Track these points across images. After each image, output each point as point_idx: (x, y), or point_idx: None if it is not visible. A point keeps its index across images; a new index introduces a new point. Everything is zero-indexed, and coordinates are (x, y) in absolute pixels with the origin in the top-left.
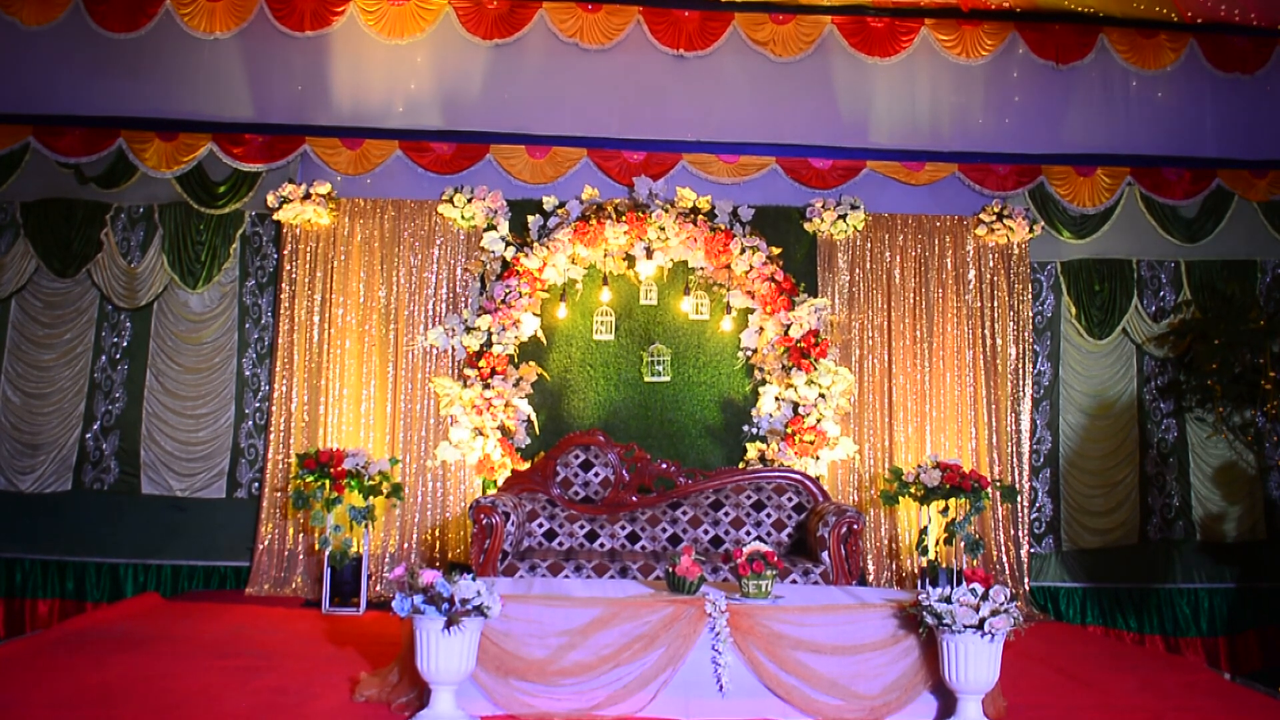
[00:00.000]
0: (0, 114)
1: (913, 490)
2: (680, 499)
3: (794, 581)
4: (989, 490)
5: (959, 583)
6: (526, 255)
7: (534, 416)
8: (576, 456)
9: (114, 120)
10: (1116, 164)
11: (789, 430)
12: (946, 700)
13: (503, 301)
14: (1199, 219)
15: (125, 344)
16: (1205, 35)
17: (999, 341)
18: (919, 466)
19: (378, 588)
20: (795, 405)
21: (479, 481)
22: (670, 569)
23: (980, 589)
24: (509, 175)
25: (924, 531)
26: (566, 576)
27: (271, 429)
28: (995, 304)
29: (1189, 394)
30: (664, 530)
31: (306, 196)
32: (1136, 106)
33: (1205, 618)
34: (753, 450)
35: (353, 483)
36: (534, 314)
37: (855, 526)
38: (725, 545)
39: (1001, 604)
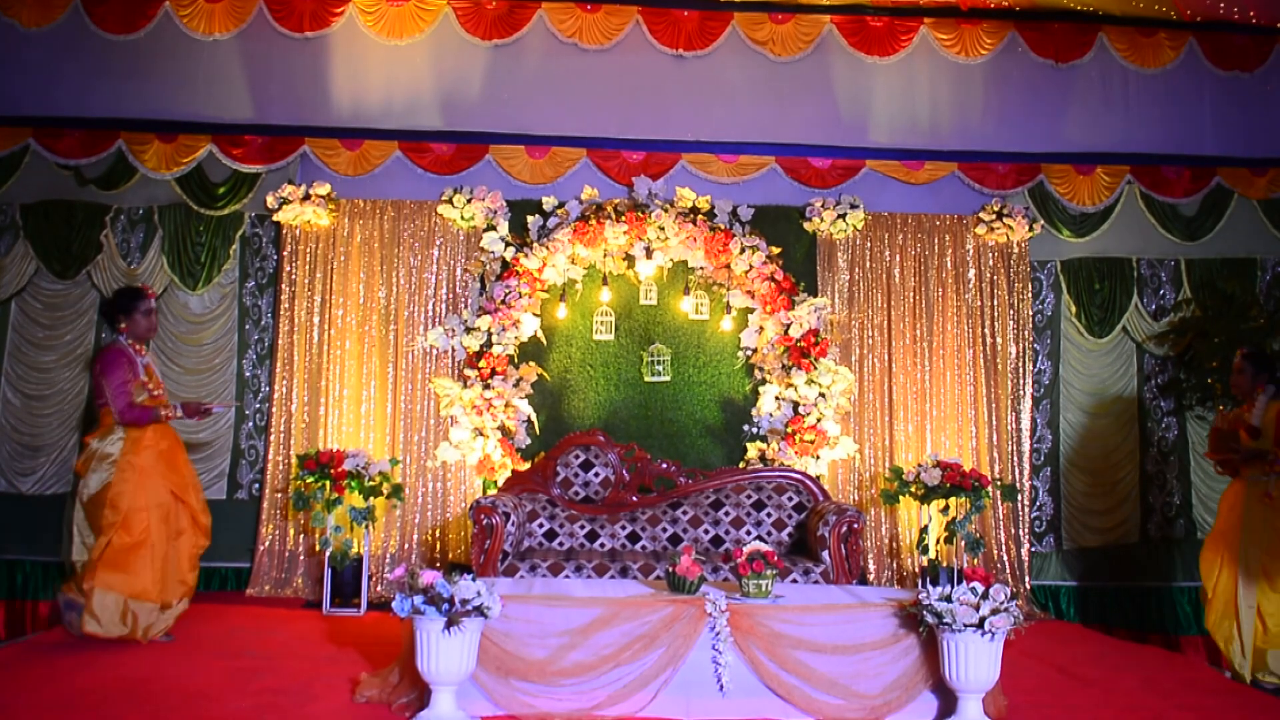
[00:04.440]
0: None
1: (913, 489)
2: (680, 499)
3: (794, 581)
4: (989, 489)
5: (959, 582)
6: (526, 255)
7: (534, 417)
8: (577, 457)
9: (113, 122)
10: (1116, 162)
11: (789, 430)
12: (947, 699)
13: (502, 302)
14: (1199, 217)
15: None
16: (1205, 33)
17: (999, 340)
18: (919, 465)
19: (378, 588)
20: (795, 405)
21: (479, 482)
22: (670, 569)
23: (980, 588)
24: (508, 175)
25: (924, 530)
26: (567, 576)
27: (272, 430)
28: (995, 303)
29: (1189, 392)
30: (664, 530)
31: (306, 197)
32: (1136, 105)
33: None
34: (753, 450)
35: (353, 483)
36: (534, 314)
37: (855, 526)
38: (725, 545)
39: (1002, 603)
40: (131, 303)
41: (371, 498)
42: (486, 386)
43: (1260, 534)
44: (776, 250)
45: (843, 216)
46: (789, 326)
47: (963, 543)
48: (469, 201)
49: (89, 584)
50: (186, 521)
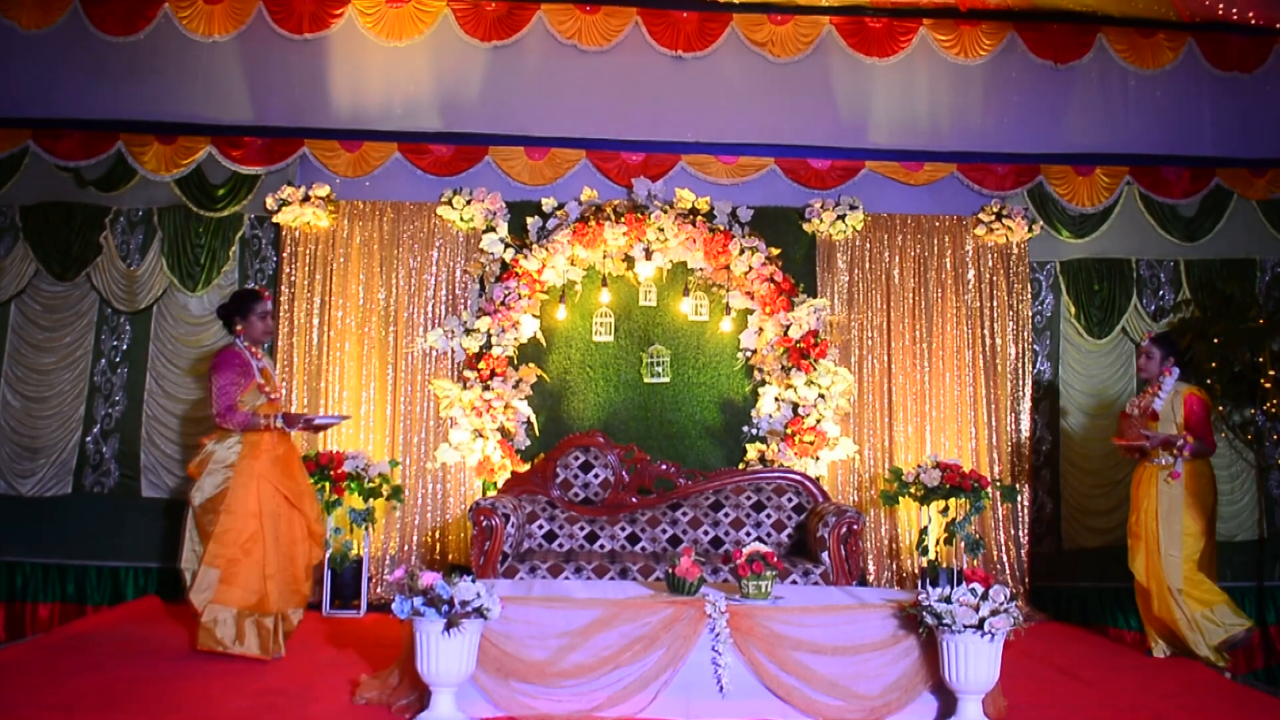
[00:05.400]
0: None
1: (913, 490)
2: (680, 500)
3: (794, 582)
4: (989, 490)
5: (959, 583)
6: (525, 257)
7: (534, 418)
8: (576, 458)
9: (113, 123)
10: (1115, 163)
11: (789, 431)
12: (947, 700)
13: (502, 303)
14: (1198, 218)
15: (125, 347)
16: (1204, 34)
17: (998, 341)
18: (919, 466)
19: (378, 590)
20: (795, 406)
21: (479, 483)
22: (670, 570)
23: (980, 589)
24: (508, 177)
25: (924, 531)
26: (566, 578)
27: None
28: (994, 304)
29: None
30: (664, 531)
31: (305, 199)
32: (1135, 106)
33: None
34: (752, 451)
35: (353, 485)
36: (533, 316)
37: (855, 527)
38: (725, 546)
39: (1001, 604)
40: (247, 305)
41: (371, 499)
42: (486, 388)
43: (1169, 513)
44: (776, 251)
45: (842, 217)
46: (788, 328)
47: (962, 544)
48: (468, 203)
49: (201, 598)
50: (301, 531)
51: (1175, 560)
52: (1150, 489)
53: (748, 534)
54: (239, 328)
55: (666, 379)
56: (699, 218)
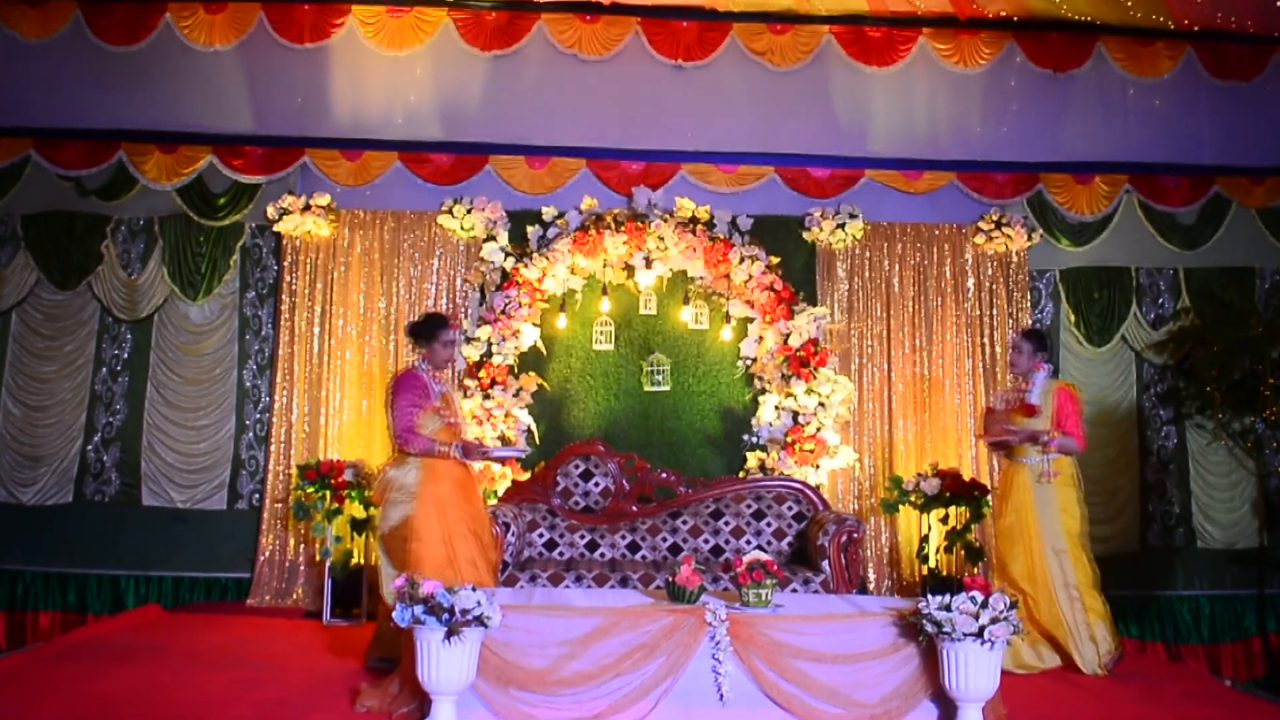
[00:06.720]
0: (1, 127)
1: (913, 498)
2: (680, 508)
3: (794, 590)
4: (989, 498)
5: (959, 590)
6: (526, 266)
7: (534, 426)
8: (576, 466)
9: (114, 133)
10: (1114, 172)
11: (789, 439)
12: (947, 708)
13: (502, 312)
14: (1197, 226)
15: (126, 356)
16: (1202, 43)
17: (998, 349)
18: (919, 474)
19: None
20: (795, 414)
21: (479, 491)
22: (670, 578)
23: (980, 597)
24: (508, 186)
25: (924, 539)
26: (567, 586)
27: (272, 440)
28: (994, 312)
29: (1188, 401)
30: (664, 540)
31: (306, 208)
32: (1134, 114)
33: (1206, 624)
34: (753, 459)
35: (353, 493)
36: (534, 324)
37: (855, 535)
38: (725, 554)
39: (1001, 612)
40: (434, 330)
41: (372, 507)
42: (487, 396)
43: (1051, 514)
44: (776, 260)
45: (842, 226)
46: (788, 336)
47: (962, 552)
48: (469, 212)
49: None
50: (478, 556)
51: (1065, 556)
52: (1022, 488)
53: (748, 542)
54: (423, 350)
55: (666, 387)
56: (699, 226)
